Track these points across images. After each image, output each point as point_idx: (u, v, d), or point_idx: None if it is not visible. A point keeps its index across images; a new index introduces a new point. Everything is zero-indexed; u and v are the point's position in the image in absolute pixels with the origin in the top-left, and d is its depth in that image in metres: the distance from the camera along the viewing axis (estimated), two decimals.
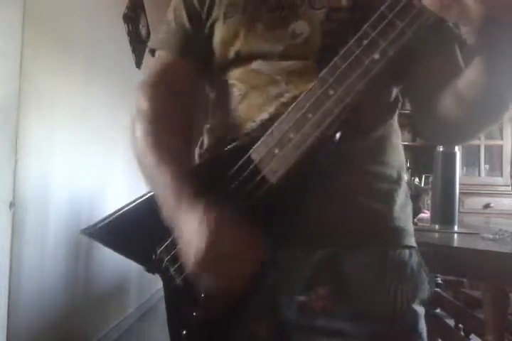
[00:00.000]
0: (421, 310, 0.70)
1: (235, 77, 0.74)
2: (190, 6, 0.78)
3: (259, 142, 0.64)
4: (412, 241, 0.73)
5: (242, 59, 0.72)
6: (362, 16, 0.65)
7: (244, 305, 0.66)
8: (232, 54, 0.73)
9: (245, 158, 0.65)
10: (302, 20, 0.69)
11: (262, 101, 0.70)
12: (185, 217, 0.64)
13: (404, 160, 0.78)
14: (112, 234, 0.81)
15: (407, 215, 0.74)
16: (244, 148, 0.66)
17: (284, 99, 0.69)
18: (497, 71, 0.55)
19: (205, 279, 0.65)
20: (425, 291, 0.71)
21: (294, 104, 0.62)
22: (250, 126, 0.70)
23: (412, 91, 0.74)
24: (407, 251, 0.71)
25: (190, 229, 0.62)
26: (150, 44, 0.85)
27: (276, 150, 0.62)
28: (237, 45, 0.72)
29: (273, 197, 0.64)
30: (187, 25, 0.79)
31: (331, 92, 0.57)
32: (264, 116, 0.69)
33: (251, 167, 0.65)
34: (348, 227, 0.68)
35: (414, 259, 0.72)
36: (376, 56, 0.53)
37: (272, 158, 0.63)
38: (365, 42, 0.54)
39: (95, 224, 0.86)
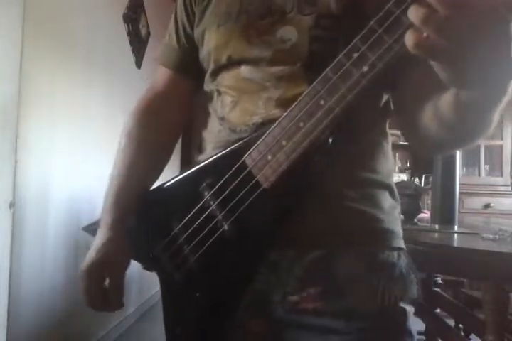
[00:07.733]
0: (410, 308, 0.71)
1: (227, 84, 0.76)
2: (187, 14, 0.83)
3: (253, 147, 0.66)
4: (400, 243, 0.74)
5: (232, 63, 0.74)
6: (351, 24, 0.63)
7: (238, 303, 0.68)
8: (224, 59, 0.75)
9: (240, 162, 0.67)
10: (290, 26, 0.70)
11: (254, 106, 0.72)
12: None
13: (393, 166, 0.78)
14: None
15: (395, 218, 0.75)
16: (239, 152, 0.68)
17: (274, 103, 0.70)
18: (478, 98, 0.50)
19: None
20: (414, 291, 0.72)
21: (286, 113, 0.62)
22: (244, 129, 0.72)
23: (399, 101, 0.73)
24: (395, 253, 0.72)
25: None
26: (156, 55, 0.92)
27: (269, 157, 0.64)
28: (229, 50, 0.74)
29: (266, 201, 0.65)
30: (183, 37, 0.85)
31: (322, 103, 0.58)
32: (257, 119, 0.70)
33: (245, 172, 0.66)
34: (338, 229, 0.70)
35: (403, 260, 0.73)
36: (365, 69, 0.53)
37: (264, 164, 0.64)
38: (355, 55, 0.54)
39: (97, 222, 0.89)
